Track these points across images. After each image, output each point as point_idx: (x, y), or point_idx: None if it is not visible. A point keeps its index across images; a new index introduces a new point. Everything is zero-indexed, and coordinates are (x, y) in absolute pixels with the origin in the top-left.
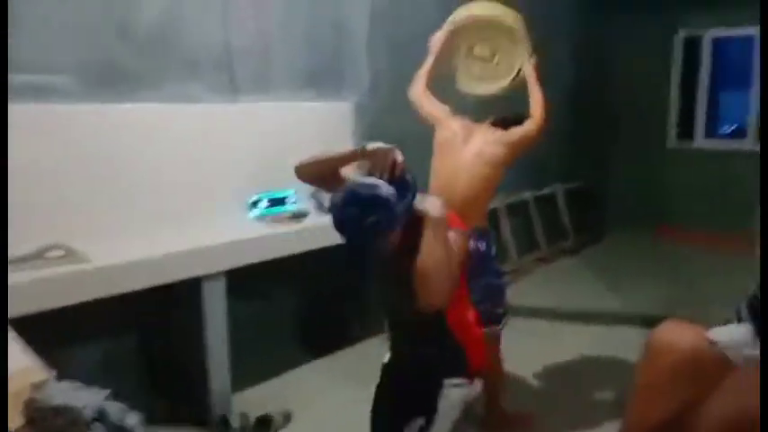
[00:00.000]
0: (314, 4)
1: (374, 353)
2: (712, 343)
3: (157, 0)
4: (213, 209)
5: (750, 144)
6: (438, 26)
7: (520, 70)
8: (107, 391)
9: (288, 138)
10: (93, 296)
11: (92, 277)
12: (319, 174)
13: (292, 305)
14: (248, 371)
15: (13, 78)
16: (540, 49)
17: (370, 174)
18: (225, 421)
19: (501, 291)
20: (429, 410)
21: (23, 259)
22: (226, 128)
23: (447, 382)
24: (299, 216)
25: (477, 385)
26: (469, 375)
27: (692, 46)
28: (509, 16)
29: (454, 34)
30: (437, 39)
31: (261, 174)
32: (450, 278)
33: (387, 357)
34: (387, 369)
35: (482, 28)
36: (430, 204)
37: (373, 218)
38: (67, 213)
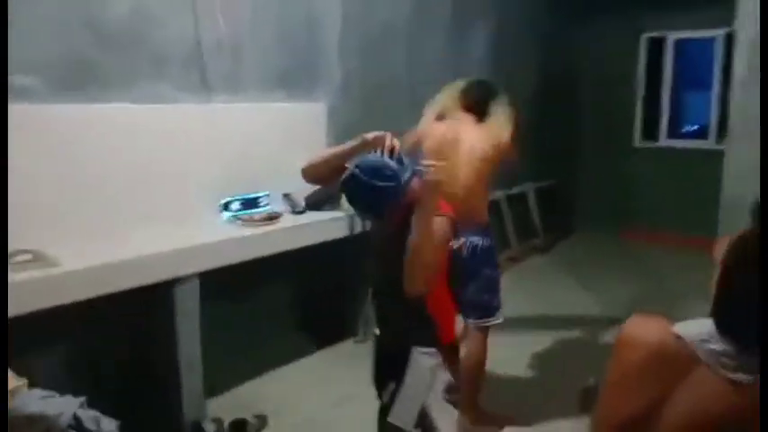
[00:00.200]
0: (285, 2)
1: (349, 355)
2: (678, 337)
3: None
4: (185, 211)
5: (711, 143)
6: (411, 26)
7: None
8: (82, 399)
9: (260, 139)
10: (62, 301)
11: (61, 282)
12: (327, 171)
13: (266, 307)
14: (222, 375)
15: None
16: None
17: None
18: (198, 427)
19: (498, 283)
20: (398, 376)
21: None
22: (197, 128)
23: (416, 349)
24: (272, 217)
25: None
26: (439, 347)
27: (656, 48)
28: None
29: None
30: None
31: (233, 175)
32: (431, 264)
33: (375, 331)
34: (375, 338)
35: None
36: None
37: (384, 183)
38: (36, 216)
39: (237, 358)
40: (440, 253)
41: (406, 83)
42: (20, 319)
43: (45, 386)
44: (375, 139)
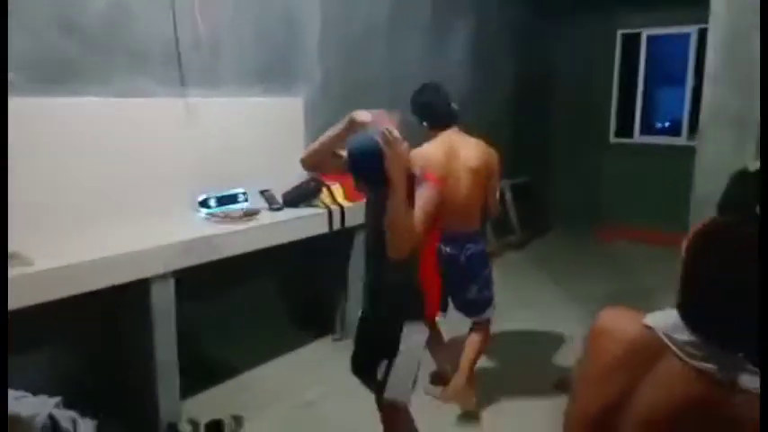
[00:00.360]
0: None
1: (327, 353)
2: (648, 328)
3: None
4: (162, 208)
5: (684, 140)
6: (391, 26)
7: None
8: (57, 399)
9: (238, 135)
10: (36, 300)
11: (35, 281)
12: (322, 157)
13: (243, 306)
14: (199, 374)
15: None
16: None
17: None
18: (174, 428)
19: (492, 277)
20: (392, 352)
21: None
22: (174, 123)
23: (407, 326)
24: (249, 214)
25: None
26: (426, 321)
27: (630, 45)
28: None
29: None
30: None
31: (210, 171)
32: (409, 226)
33: (360, 314)
34: (360, 322)
35: None
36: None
37: (370, 160)
38: (10, 213)
39: (214, 357)
40: (428, 216)
41: (386, 81)
42: None
43: (18, 387)
44: (362, 118)
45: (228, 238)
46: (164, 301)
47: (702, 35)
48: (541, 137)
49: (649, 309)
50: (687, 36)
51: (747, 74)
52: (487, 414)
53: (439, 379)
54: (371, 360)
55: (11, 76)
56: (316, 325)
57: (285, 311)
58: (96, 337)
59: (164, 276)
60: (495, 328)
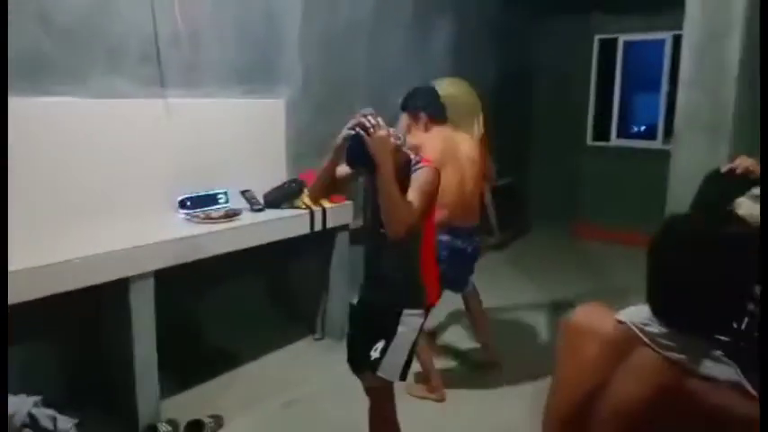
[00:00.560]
0: None
1: (308, 353)
2: (621, 323)
3: None
4: (141, 208)
5: (659, 143)
6: (372, 24)
7: None
8: (36, 398)
9: (218, 135)
10: (13, 300)
11: (11, 281)
12: (328, 182)
13: (223, 306)
14: (178, 374)
15: None
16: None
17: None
18: (153, 429)
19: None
20: (389, 334)
21: None
22: (153, 124)
23: (406, 312)
24: (230, 215)
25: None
26: (426, 309)
27: (608, 50)
28: (470, 95)
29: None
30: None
31: (190, 171)
32: (402, 204)
33: (352, 301)
34: (354, 308)
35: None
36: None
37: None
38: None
39: (194, 357)
40: (427, 197)
41: (366, 80)
42: None
43: None
44: (343, 138)
45: (209, 238)
46: (143, 301)
47: (677, 41)
48: (520, 138)
49: (624, 307)
50: (662, 42)
51: (721, 79)
52: (465, 407)
53: (423, 380)
54: (365, 345)
55: None
56: (297, 325)
57: (266, 312)
58: (76, 337)
59: (143, 276)
60: (469, 327)
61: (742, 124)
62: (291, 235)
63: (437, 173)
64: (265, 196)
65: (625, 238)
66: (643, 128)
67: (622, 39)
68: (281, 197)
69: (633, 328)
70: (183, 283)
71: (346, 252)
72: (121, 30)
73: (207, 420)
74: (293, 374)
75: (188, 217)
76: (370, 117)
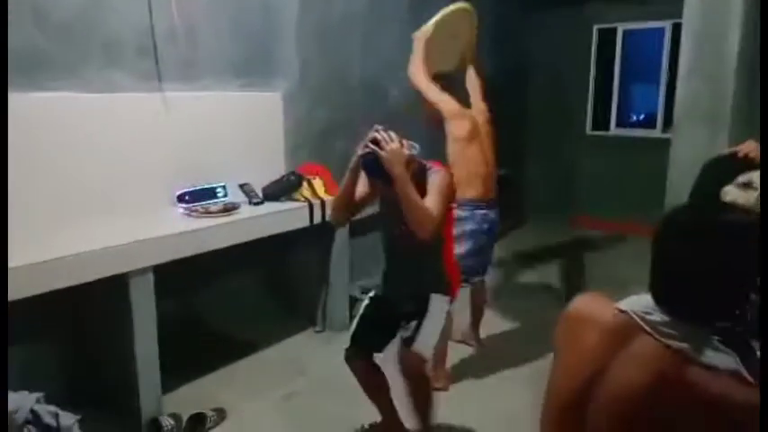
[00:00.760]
0: None
1: (307, 347)
2: (621, 311)
3: None
4: (139, 202)
5: (659, 132)
6: (368, 17)
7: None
8: (39, 394)
9: (215, 128)
10: (12, 297)
11: (11, 277)
12: (349, 201)
13: (224, 299)
14: (180, 368)
15: None
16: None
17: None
18: (155, 422)
19: None
20: (420, 315)
21: None
22: (150, 118)
23: (434, 296)
24: (229, 209)
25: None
26: (450, 296)
27: (607, 39)
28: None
29: (437, 26)
30: (423, 31)
31: (188, 165)
32: (425, 216)
33: (371, 294)
34: (374, 300)
35: (452, 21)
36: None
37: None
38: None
39: (195, 351)
40: (445, 199)
41: (363, 72)
42: None
43: None
44: (359, 156)
45: (208, 232)
46: (143, 296)
47: (677, 30)
48: (518, 129)
49: (623, 296)
50: (662, 31)
51: (720, 68)
52: (467, 395)
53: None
54: (389, 330)
55: None
56: (297, 318)
57: (266, 305)
58: (76, 334)
59: (142, 271)
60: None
61: (741, 114)
62: (291, 228)
63: (451, 176)
64: (264, 189)
65: (624, 227)
66: (642, 116)
67: (621, 28)
68: (279, 190)
69: (634, 316)
70: (183, 278)
71: (346, 245)
72: (118, 24)
73: (209, 413)
74: (294, 367)
75: (186, 211)
76: (381, 131)
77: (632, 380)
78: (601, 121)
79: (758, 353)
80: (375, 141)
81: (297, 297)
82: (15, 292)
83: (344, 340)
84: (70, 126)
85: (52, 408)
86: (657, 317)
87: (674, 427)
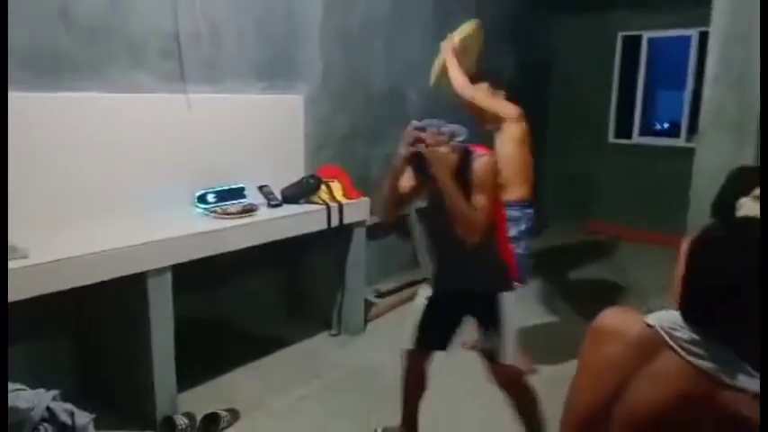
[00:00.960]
0: None
1: (322, 350)
2: (649, 326)
3: None
4: (160, 202)
5: (683, 141)
6: (391, 20)
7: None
8: (55, 392)
9: (237, 130)
10: (32, 293)
11: (32, 273)
12: (392, 198)
13: (240, 300)
14: (195, 368)
15: None
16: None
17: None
18: (169, 420)
19: None
20: (495, 321)
21: None
22: (173, 119)
23: (503, 297)
24: (247, 210)
25: None
26: (514, 287)
27: (631, 46)
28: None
29: (464, 40)
30: (450, 44)
31: (209, 167)
32: (473, 221)
33: (425, 295)
34: (432, 301)
35: (470, 36)
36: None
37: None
38: (7, 207)
39: (211, 351)
40: (493, 194)
41: (385, 76)
42: None
43: (15, 380)
44: (404, 151)
45: (226, 233)
46: (161, 295)
47: (703, 38)
48: (540, 135)
49: (643, 306)
50: (688, 39)
51: (747, 77)
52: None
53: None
54: (449, 332)
55: None
56: (313, 320)
57: (283, 306)
58: (93, 331)
59: (161, 271)
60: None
61: None
62: (308, 230)
63: (495, 162)
64: (283, 192)
65: (645, 236)
66: (666, 125)
67: (646, 36)
68: (298, 193)
69: (661, 331)
70: (200, 278)
71: (363, 248)
72: (142, 26)
73: (223, 414)
74: (309, 369)
75: (206, 212)
76: (428, 132)
77: (654, 396)
78: (624, 129)
79: None
80: (420, 142)
81: (313, 300)
82: (34, 288)
83: (360, 343)
84: (94, 125)
85: (68, 406)
86: (684, 334)
87: None
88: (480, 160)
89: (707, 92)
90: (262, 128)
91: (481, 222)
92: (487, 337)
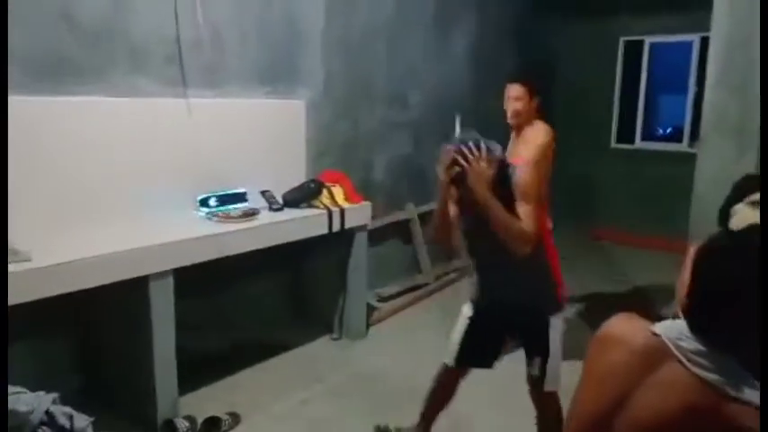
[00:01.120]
0: None
1: (323, 354)
2: (656, 335)
3: None
4: (162, 206)
5: (685, 146)
6: (393, 25)
7: None
8: (54, 395)
9: (239, 135)
10: (34, 296)
11: (34, 277)
12: (445, 221)
13: (241, 304)
14: (196, 371)
15: None
16: None
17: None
18: (170, 424)
19: None
20: (543, 349)
21: None
22: (175, 123)
23: (551, 319)
24: (249, 214)
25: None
26: (563, 306)
27: (633, 51)
28: None
29: None
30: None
31: (211, 171)
32: (521, 234)
33: (468, 314)
34: (475, 319)
35: None
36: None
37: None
38: (9, 210)
39: (212, 354)
40: (537, 203)
41: (387, 81)
42: None
43: (16, 382)
44: (446, 175)
45: (228, 237)
46: (162, 298)
47: (705, 43)
48: None
49: (651, 312)
50: (689, 44)
51: (748, 82)
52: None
53: None
54: (495, 350)
55: None
56: (314, 324)
57: (284, 311)
58: (96, 334)
59: (163, 274)
60: None
61: None
62: (310, 235)
63: (534, 172)
64: (284, 196)
65: (647, 242)
66: (669, 130)
67: (648, 41)
68: (300, 197)
69: (666, 341)
70: (202, 281)
71: (364, 252)
72: (144, 30)
73: (224, 417)
74: (310, 373)
75: (207, 216)
76: (470, 147)
77: (658, 406)
78: (626, 135)
79: None
80: (463, 157)
81: (314, 304)
82: (36, 291)
83: (361, 348)
84: (96, 129)
85: (67, 409)
86: (690, 344)
87: None
88: (522, 169)
89: (708, 96)
90: (263, 133)
91: (532, 231)
92: (533, 365)
